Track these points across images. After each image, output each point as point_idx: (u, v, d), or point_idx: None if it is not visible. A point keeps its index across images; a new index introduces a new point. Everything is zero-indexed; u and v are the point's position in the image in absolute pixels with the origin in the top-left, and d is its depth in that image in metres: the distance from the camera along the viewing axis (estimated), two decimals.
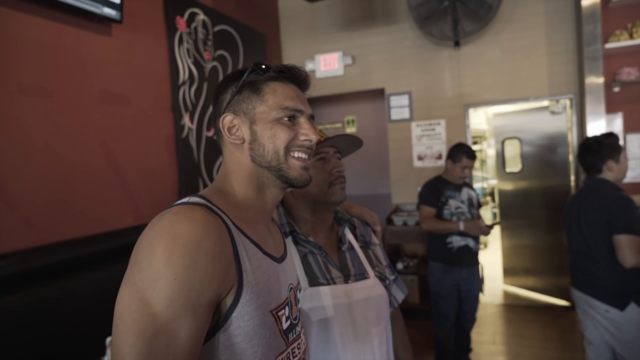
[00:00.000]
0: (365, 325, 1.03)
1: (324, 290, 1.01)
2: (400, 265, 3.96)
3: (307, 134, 0.78)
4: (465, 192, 2.86)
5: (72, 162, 2.19)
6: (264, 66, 0.78)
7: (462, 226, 2.65)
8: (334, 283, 1.03)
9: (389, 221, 4.02)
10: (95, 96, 2.35)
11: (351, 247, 1.15)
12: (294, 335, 0.78)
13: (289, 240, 1.05)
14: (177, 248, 0.59)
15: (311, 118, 0.82)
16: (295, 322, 0.80)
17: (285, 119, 0.77)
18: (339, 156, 1.12)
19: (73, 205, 2.18)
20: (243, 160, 0.77)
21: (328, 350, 0.98)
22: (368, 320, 1.04)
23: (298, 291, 0.85)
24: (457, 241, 2.75)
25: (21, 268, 1.79)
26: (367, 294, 1.06)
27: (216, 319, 0.65)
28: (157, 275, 0.58)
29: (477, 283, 2.90)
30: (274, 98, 0.77)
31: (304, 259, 1.04)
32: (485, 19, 3.73)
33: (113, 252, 2.14)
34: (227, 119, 0.78)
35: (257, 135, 0.76)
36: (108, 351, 1.61)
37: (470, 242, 2.76)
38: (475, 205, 2.89)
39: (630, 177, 3.72)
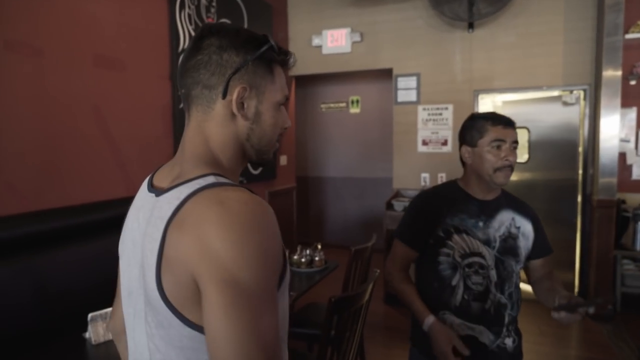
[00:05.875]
0: None
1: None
2: None
3: (289, 122, 0.79)
4: None
5: (61, 127, 2.08)
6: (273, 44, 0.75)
7: None
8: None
9: (389, 206, 3.93)
10: (88, 58, 2.22)
11: None
12: None
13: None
14: (268, 238, 0.62)
15: None
16: None
17: (281, 105, 0.77)
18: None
19: (61, 172, 2.08)
20: (237, 134, 0.74)
21: None
22: None
23: None
24: None
25: (3, 235, 1.70)
26: None
27: None
28: (257, 264, 0.59)
29: None
30: (280, 81, 0.76)
31: None
32: (502, 0, 3.56)
33: (103, 223, 2.05)
34: (241, 90, 0.71)
35: (261, 118, 0.74)
36: (90, 327, 1.54)
37: None
38: None
39: (637, 174, 3.64)
